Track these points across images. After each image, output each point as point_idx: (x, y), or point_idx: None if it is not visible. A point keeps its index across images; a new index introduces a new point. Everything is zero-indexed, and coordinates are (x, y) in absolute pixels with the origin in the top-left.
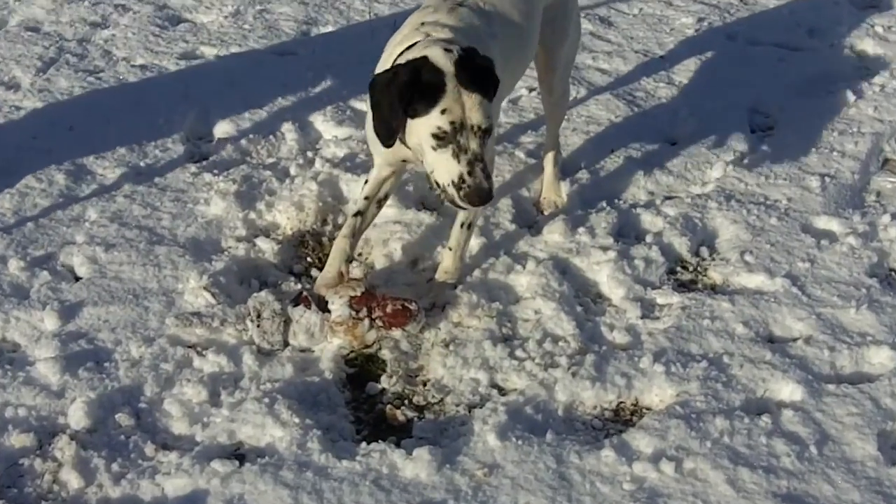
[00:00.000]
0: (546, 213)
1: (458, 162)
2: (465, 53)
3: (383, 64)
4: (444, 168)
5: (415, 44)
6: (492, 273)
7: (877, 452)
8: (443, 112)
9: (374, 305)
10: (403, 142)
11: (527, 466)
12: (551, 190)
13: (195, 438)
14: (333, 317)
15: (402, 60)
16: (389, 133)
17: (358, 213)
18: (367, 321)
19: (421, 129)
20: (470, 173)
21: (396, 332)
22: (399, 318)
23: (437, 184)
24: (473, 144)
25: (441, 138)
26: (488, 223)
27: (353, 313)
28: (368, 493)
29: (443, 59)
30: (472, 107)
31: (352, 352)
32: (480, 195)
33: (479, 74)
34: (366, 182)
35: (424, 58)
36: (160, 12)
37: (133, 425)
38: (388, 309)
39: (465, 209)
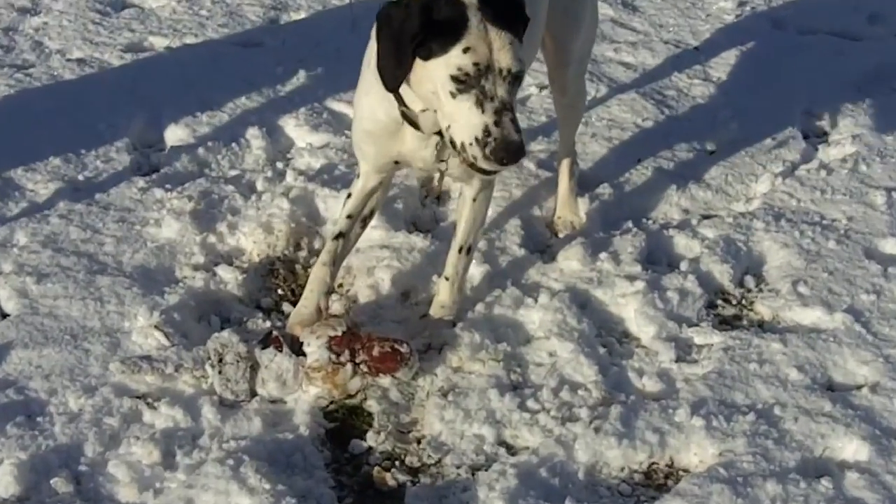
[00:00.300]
0: (561, 235)
1: (483, 111)
2: None
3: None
4: (466, 119)
5: None
6: (498, 308)
7: None
8: (465, 51)
9: (358, 347)
10: (405, 106)
11: None
12: (567, 208)
13: None
14: (310, 361)
15: None
16: (395, 73)
17: (339, 236)
18: (349, 366)
19: (438, 71)
20: (497, 123)
21: (385, 380)
22: (388, 363)
23: (455, 143)
24: (501, 91)
25: (462, 81)
26: (493, 248)
27: (334, 357)
28: None
29: None
30: (500, 47)
31: (332, 402)
32: (509, 150)
33: (508, 8)
34: (348, 197)
35: None
36: None
37: (72, 492)
38: (375, 352)
39: (490, 172)
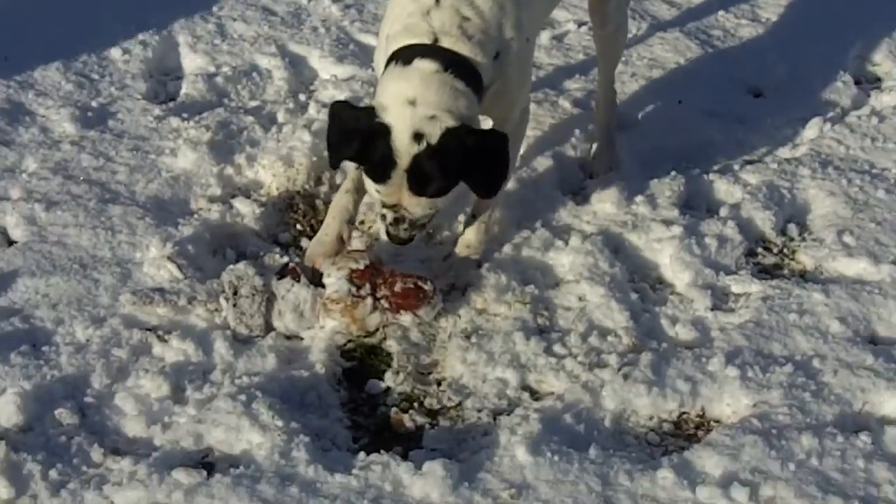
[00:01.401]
0: (596, 177)
1: (386, 217)
2: (435, 147)
3: (380, 38)
4: (377, 207)
5: (412, 52)
6: (526, 249)
7: None
8: (378, 192)
9: (380, 282)
10: None
11: (564, 488)
12: (603, 149)
13: (153, 442)
14: (328, 292)
15: (386, 80)
16: (335, 163)
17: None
18: (369, 301)
19: (365, 181)
20: (393, 225)
21: (406, 318)
22: (410, 300)
23: None
24: (404, 223)
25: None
26: (523, 187)
27: (354, 290)
28: None
29: (404, 147)
30: (411, 204)
31: (349, 340)
32: (395, 242)
33: (440, 177)
34: None
35: (387, 130)
36: None
37: (77, 424)
38: (397, 287)
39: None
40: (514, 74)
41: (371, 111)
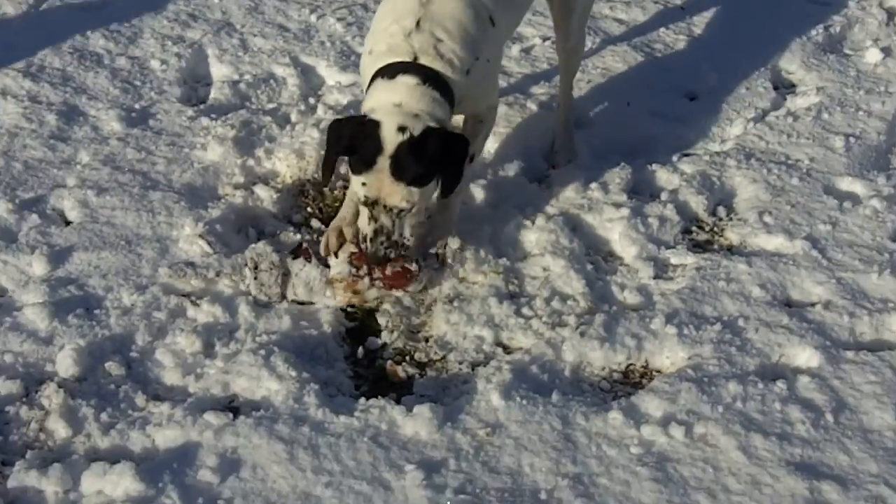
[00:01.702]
0: (558, 167)
1: (368, 225)
2: (417, 138)
3: (364, 52)
4: (360, 220)
5: (395, 69)
6: (500, 228)
7: (895, 422)
8: (363, 184)
9: (375, 265)
10: None
11: (531, 427)
12: (563, 144)
13: (188, 390)
14: (333, 273)
15: (374, 91)
16: (326, 172)
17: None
18: (367, 279)
19: (351, 181)
20: (371, 240)
21: (398, 292)
22: (399, 280)
23: None
24: (385, 219)
25: (359, 199)
26: (497, 176)
27: (354, 270)
28: (367, 449)
29: (391, 137)
30: (391, 192)
31: (351, 306)
32: (372, 261)
33: (419, 165)
34: None
35: (377, 124)
36: None
37: (123, 375)
38: (388, 271)
39: None
40: (480, 86)
41: (362, 116)
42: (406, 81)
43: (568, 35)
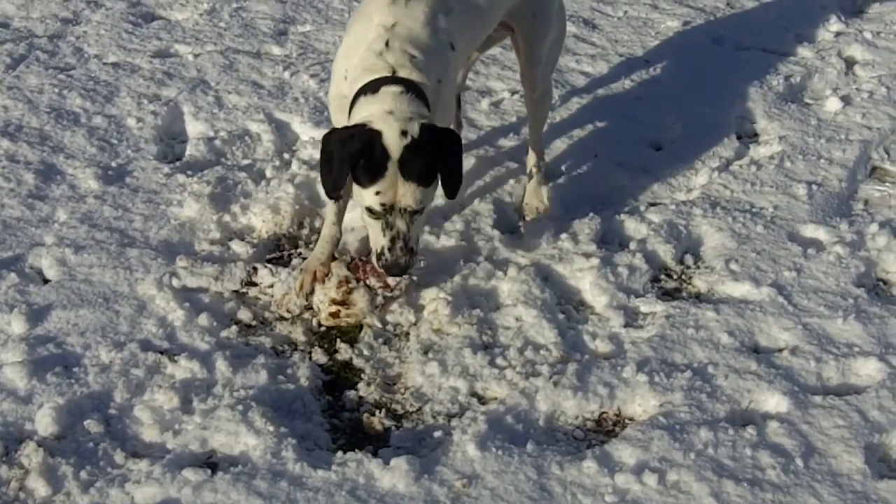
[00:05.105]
0: (529, 218)
1: (384, 235)
2: (418, 139)
3: (337, 80)
4: (373, 236)
5: (377, 83)
6: (472, 279)
7: (864, 465)
8: (377, 193)
9: (369, 268)
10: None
11: (507, 477)
12: (534, 194)
13: (166, 446)
14: (333, 282)
15: (361, 106)
16: (335, 188)
17: (339, 197)
18: (363, 289)
19: (360, 197)
20: (390, 249)
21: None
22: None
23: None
24: (400, 223)
25: (374, 213)
26: (469, 228)
27: (351, 275)
28: (344, 503)
29: (395, 143)
30: (405, 193)
31: (329, 359)
32: (393, 270)
33: (424, 164)
34: None
35: (378, 134)
36: (133, 9)
37: (102, 432)
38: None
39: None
40: (448, 93)
41: (361, 125)
42: (391, 90)
43: (534, 85)
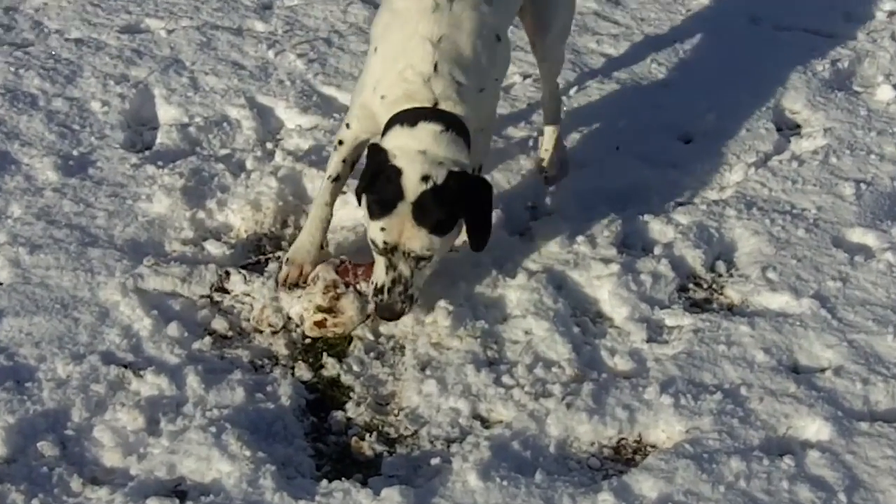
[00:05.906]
0: (550, 175)
1: (386, 274)
2: (441, 186)
3: (365, 91)
4: (376, 270)
5: (416, 115)
6: (477, 286)
7: None
8: (382, 229)
9: (360, 271)
10: None
11: None
12: (553, 148)
13: (129, 472)
14: (319, 287)
15: (395, 134)
16: (359, 195)
17: (336, 179)
18: (352, 294)
19: (367, 226)
20: (389, 290)
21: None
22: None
23: None
24: (403, 266)
25: (376, 247)
26: None
27: (339, 280)
28: None
29: (413, 185)
30: (411, 236)
31: (314, 375)
32: (384, 314)
33: (443, 212)
34: (340, 143)
35: (398, 172)
36: None
37: (58, 455)
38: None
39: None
40: (489, 105)
41: (386, 155)
42: (430, 128)
43: (544, 55)
